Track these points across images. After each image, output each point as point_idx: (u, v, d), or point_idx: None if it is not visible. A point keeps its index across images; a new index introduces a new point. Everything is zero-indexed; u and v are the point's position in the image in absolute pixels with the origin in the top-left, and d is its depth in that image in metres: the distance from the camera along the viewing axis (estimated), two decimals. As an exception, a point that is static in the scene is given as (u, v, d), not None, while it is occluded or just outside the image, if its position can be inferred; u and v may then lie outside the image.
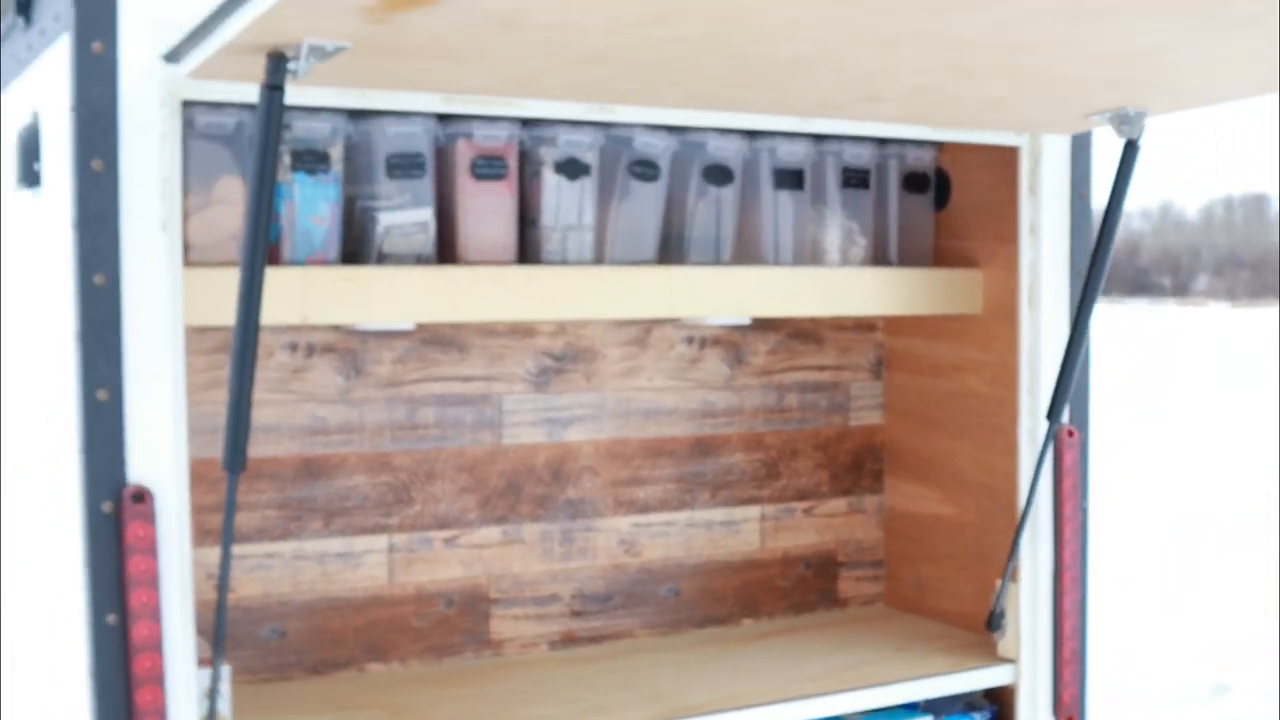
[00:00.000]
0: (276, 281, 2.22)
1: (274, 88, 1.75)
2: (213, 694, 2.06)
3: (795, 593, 3.16)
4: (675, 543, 3.02)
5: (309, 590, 2.69)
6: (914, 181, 2.98)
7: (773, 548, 3.14)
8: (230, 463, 1.88)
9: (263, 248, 1.81)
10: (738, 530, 3.09)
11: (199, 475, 2.44)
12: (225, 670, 2.18)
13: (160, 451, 2.02)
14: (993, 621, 2.76)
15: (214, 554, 2.52)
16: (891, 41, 1.81)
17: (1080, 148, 2.77)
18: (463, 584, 2.83)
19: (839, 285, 2.77)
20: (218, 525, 2.55)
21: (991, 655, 2.81)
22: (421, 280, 2.38)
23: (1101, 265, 2.53)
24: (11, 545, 2.60)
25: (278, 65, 1.73)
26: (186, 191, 2.27)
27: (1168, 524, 11.58)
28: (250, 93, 1.99)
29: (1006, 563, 2.72)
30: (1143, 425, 18.14)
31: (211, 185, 2.29)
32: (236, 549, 2.60)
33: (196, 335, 2.51)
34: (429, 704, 2.55)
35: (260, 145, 1.78)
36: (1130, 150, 2.44)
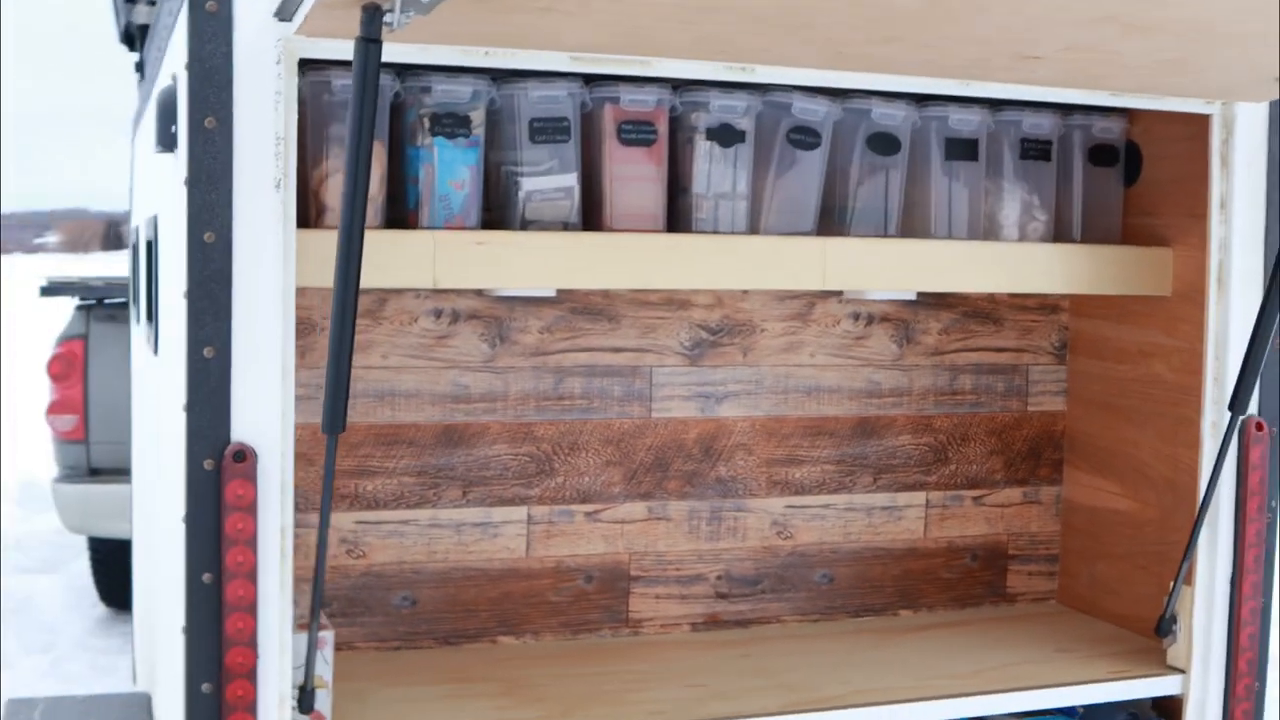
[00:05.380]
0: (406, 244, 2.20)
1: (370, 40, 1.71)
2: (309, 660, 2.03)
3: (959, 585, 3.02)
4: (831, 527, 2.91)
5: (443, 559, 2.67)
6: (1101, 154, 2.80)
7: (937, 537, 3.00)
8: (329, 425, 1.84)
9: (361, 208, 1.76)
10: (900, 516, 2.96)
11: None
12: (328, 635, 2.16)
13: (265, 411, 2.01)
14: (1162, 626, 2.61)
15: (348, 518, 2.52)
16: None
17: (1280, 116, 2.56)
18: (603, 560, 2.77)
19: (1014, 261, 2.62)
20: (354, 490, 2.55)
21: (1160, 663, 2.65)
22: (559, 246, 2.31)
23: None
24: (143, 505, 2.65)
25: (373, 18, 1.68)
26: (325, 155, 2.26)
27: None
28: (390, 52, 1.95)
29: (1180, 563, 2.54)
30: None
31: (347, 147, 2.28)
32: (371, 515, 2.59)
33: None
34: (550, 680, 2.50)
35: (357, 100, 1.73)
36: None
